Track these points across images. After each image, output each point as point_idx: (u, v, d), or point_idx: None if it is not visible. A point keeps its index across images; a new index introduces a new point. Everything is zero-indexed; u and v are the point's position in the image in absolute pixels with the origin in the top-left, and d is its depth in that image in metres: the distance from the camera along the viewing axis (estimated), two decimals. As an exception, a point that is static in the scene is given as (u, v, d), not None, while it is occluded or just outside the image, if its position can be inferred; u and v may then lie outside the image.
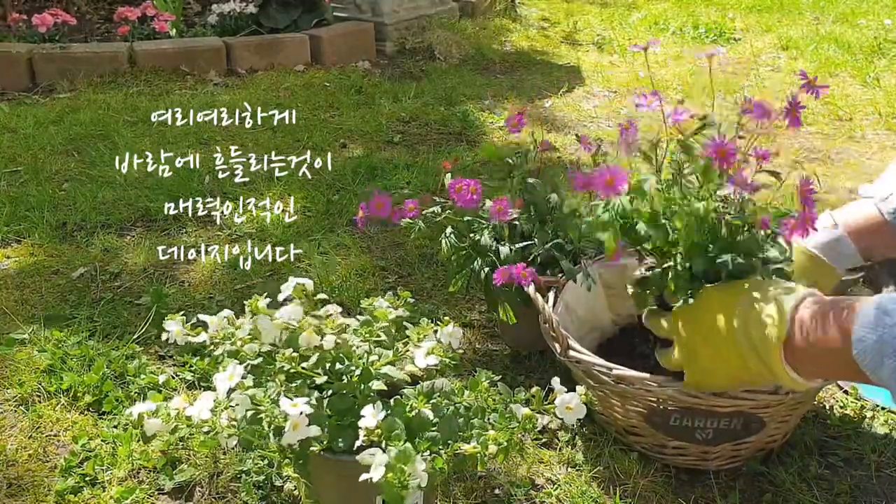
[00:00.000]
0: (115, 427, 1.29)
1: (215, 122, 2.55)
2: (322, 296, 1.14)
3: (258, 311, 1.07)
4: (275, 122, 2.58)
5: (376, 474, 0.89)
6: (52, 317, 1.56)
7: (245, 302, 1.08)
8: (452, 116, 2.64)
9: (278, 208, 2.02)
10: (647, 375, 1.11)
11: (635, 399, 1.14)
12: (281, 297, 1.09)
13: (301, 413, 0.94)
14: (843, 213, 1.24)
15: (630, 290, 1.16)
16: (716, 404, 1.09)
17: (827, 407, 1.33)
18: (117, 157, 2.27)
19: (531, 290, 1.25)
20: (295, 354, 1.02)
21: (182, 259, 1.80)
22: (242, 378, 1.00)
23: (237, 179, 2.16)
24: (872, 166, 2.27)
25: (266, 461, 1.20)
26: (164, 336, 1.13)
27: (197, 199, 2.04)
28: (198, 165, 2.22)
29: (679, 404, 1.11)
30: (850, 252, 1.22)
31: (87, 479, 1.19)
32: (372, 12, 3.42)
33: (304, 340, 1.02)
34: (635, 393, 1.12)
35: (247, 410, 0.98)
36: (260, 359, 1.05)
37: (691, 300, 1.05)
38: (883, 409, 1.32)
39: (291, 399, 0.95)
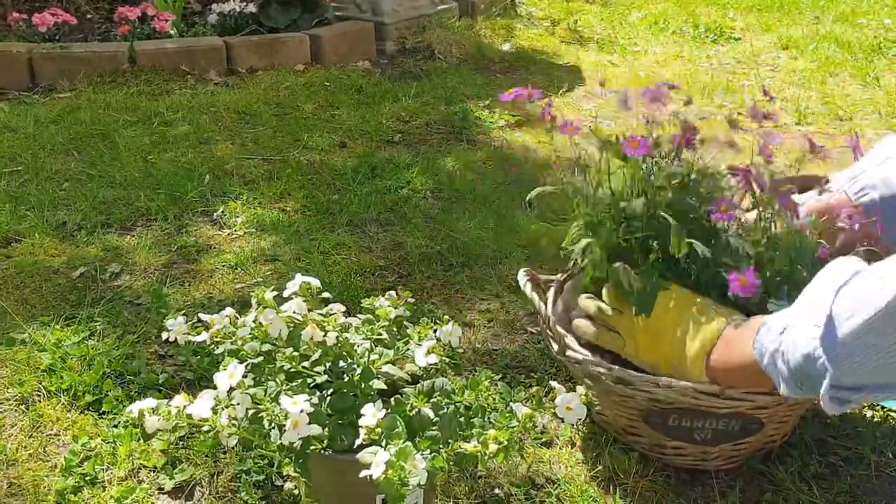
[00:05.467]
0: (116, 426, 1.29)
1: (215, 122, 2.56)
2: (326, 294, 1.14)
3: (264, 303, 1.07)
4: (274, 122, 2.58)
5: (376, 471, 0.89)
6: (52, 317, 1.56)
7: (251, 294, 1.08)
8: (453, 116, 2.64)
9: (278, 208, 2.02)
10: (645, 375, 1.11)
11: (634, 399, 1.14)
12: (286, 294, 1.10)
13: (301, 411, 0.94)
14: (805, 197, 1.25)
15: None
16: (714, 405, 1.09)
17: (827, 406, 1.33)
18: (117, 157, 2.27)
19: (528, 289, 1.25)
20: (295, 354, 1.03)
21: (182, 259, 1.80)
22: (243, 377, 1.00)
23: (237, 179, 2.16)
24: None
25: (266, 461, 1.21)
26: (164, 336, 1.13)
27: (197, 198, 2.04)
28: (198, 165, 2.23)
29: (677, 405, 1.11)
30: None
31: (88, 478, 1.19)
32: (372, 12, 3.42)
33: (307, 335, 1.02)
34: (634, 393, 1.12)
35: (247, 409, 0.99)
36: (260, 358, 1.05)
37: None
38: (883, 408, 1.32)
39: (292, 397, 0.95)
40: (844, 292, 0.90)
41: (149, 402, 1.01)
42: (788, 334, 0.95)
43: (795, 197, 1.25)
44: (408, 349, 1.06)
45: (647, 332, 1.12)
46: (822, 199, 1.24)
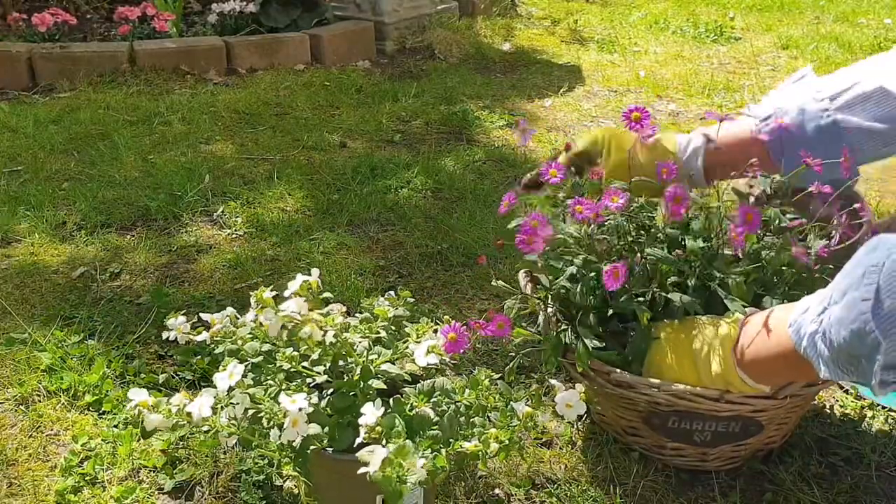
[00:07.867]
0: (116, 426, 1.29)
1: (215, 122, 2.56)
2: (327, 294, 1.14)
3: (263, 302, 1.07)
4: (274, 122, 2.58)
5: (373, 468, 0.89)
6: (52, 316, 1.56)
7: (251, 293, 1.08)
8: (452, 115, 2.64)
9: (278, 208, 2.02)
10: (645, 378, 1.11)
11: (633, 401, 1.14)
12: (287, 293, 1.10)
13: (300, 409, 0.94)
14: (715, 128, 1.25)
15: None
16: (713, 409, 1.09)
17: (827, 406, 1.33)
18: (117, 157, 2.27)
19: (528, 289, 1.25)
20: (295, 353, 1.02)
21: (182, 258, 1.80)
22: (242, 377, 1.00)
23: (237, 179, 2.16)
24: (871, 166, 2.27)
25: (266, 460, 1.20)
26: (164, 335, 1.13)
27: (197, 198, 2.04)
28: (198, 165, 2.23)
29: (677, 408, 1.11)
30: (696, 160, 1.25)
31: (87, 478, 1.19)
32: (372, 11, 3.42)
33: (305, 333, 1.02)
34: (634, 396, 1.12)
35: (247, 409, 0.98)
36: (260, 357, 1.05)
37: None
38: (883, 408, 1.32)
39: (290, 396, 0.95)
40: (892, 265, 0.84)
41: (143, 393, 1.00)
42: (830, 313, 0.90)
43: (708, 129, 1.26)
44: (406, 348, 1.06)
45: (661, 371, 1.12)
46: (730, 129, 1.23)
